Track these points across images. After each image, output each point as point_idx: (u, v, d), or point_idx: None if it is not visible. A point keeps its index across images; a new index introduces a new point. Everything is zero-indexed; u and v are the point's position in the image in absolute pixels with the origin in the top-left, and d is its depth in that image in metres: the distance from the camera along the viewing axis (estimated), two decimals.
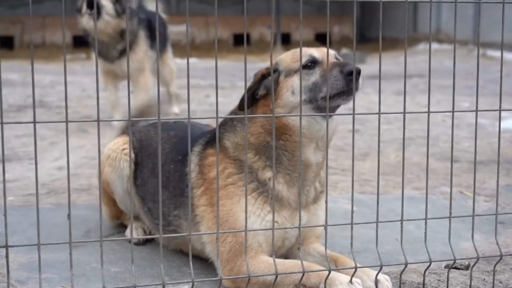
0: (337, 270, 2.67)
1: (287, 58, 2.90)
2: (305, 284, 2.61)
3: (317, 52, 2.82)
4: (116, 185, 3.48)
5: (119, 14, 6.92)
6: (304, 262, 2.67)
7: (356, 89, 2.69)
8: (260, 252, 2.79)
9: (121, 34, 7.10)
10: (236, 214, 2.81)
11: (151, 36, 7.40)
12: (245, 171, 2.59)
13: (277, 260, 2.68)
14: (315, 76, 2.79)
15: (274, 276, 2.51)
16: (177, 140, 3.29)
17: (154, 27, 7.36)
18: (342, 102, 2.77)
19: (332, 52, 2.85)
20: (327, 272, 2.54)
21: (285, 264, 2.68)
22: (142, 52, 7.35)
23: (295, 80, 2.81)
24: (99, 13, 6.80)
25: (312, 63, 2.81)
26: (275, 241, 2.79)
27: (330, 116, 2.79)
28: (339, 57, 2.90)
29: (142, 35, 7.31)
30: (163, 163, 3.19)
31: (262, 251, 2.80)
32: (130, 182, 3.46)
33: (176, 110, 8.14)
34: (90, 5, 6.80)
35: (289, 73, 2.84)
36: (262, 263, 2.72)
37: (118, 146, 3.49)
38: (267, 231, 2.76)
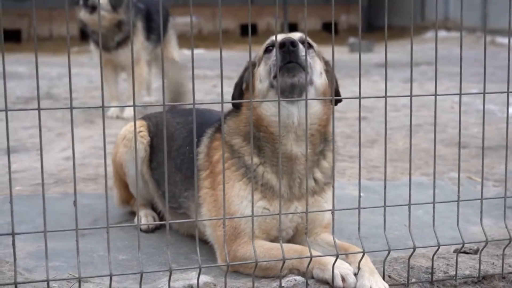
0: (346, 255, 2.66)
1: (260, 48, 2.89)
2: (299, 268, 2.61)
3: (280, 36, 2.67)
4: (130, 166, 3.47)
5: (114, 8, 7.17)
6: (297, 246, 2.72)
7: (296, 61, 2.60)
8: (254, 237, 2.78)
9: (118, 25, 7.32)
10: (231, 199, 2.82)
11: (149, 27, 7.62)
12: (251, 166, 2.58)
13: (273, 244, 2.73)
14: (272, 58, 2.72)
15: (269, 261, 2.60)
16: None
17: (152, 17, 7.55)
18: (289, 80, 2.65)
19: (298, 34, 2.78)
20: (324, 258, 2.56)
21: (280, 249, 2.66)
22: (138, 43, 7.52)
23: (261, 67, 2.82)
24: (94, 8, 7.04)
25: (273, 47, 2.75)
26: (268, 230, 2.85)
27: (298, 101, 2.70)
28: (310, 42, 2.82)
29: (139, 26, 7.50)
30: (179, 146, 3.23)
31: (256, 236, 2.79)
32: (144, 165, 3.48)
33: None
34: (86, 3, 7.05)
35: (259, 62, 2.85)
36: (257, 248, 2.69)
37: None
38: (259, 218, 2.79)
